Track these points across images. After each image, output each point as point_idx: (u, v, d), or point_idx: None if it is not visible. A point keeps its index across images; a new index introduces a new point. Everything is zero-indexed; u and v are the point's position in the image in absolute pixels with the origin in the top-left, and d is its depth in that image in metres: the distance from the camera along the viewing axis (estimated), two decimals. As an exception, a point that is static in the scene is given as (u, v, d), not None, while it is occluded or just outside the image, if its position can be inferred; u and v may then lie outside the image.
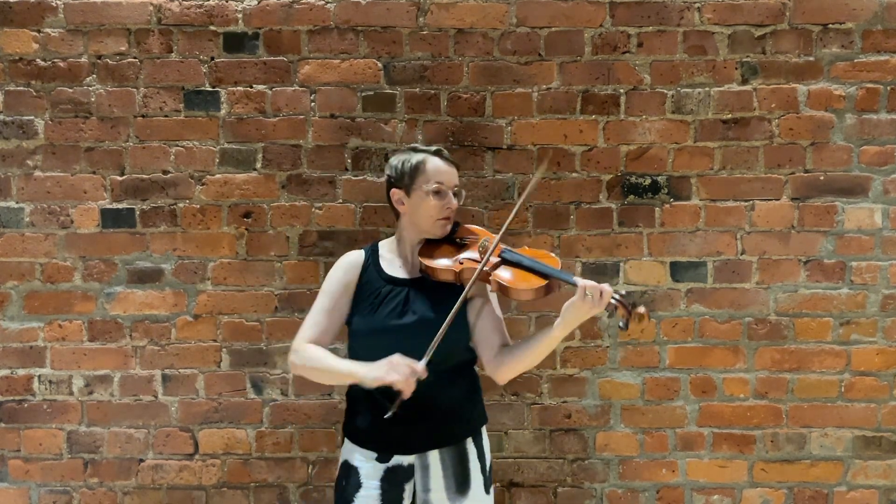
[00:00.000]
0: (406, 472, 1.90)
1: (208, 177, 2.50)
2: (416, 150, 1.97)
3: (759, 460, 2.55)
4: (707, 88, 2.47)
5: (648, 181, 2.49)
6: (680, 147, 2.49)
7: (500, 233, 1.89)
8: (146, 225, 2.50)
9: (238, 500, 2.56)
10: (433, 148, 1.97)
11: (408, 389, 1.73)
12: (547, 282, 1.83)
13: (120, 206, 2.50)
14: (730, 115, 2.48)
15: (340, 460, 1.97)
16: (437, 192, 1.91)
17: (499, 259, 1.89)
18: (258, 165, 2.50)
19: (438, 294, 1.89)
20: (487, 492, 1.95)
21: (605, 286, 1.74)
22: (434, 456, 1.90)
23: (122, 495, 2.56)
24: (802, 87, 2.47)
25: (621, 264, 2.51)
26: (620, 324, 1.77)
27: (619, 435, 2.55)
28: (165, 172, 2.50)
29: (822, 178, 2.49)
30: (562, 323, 1.79)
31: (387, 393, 1.79)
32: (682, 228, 2.51)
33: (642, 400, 2.54)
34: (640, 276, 2.51)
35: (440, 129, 2.48)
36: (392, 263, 1.97)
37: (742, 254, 2.51)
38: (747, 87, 2.47)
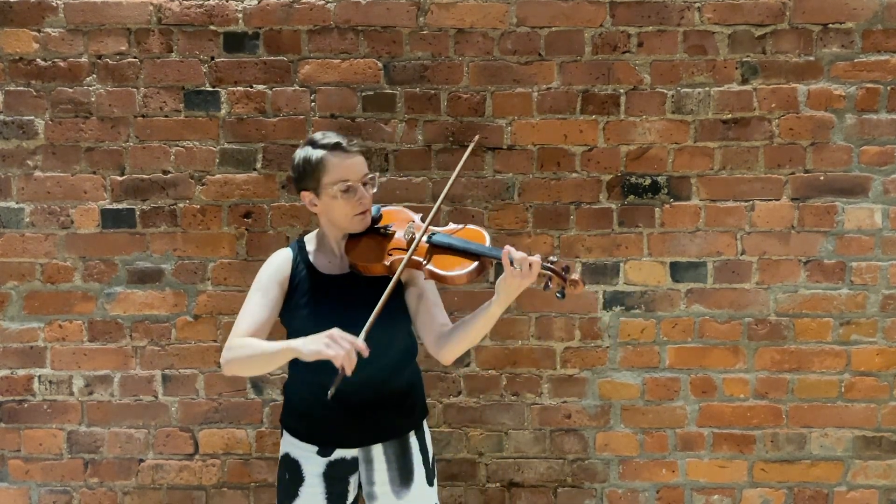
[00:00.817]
0: (349, 465, 1.89)
1: (208, 177, 2.50)
2: (314, 144, 1.82)
3: (759, 460, 2.55)
4: (707, 88, 2.47)
5: (648, 181, 2.49)
6: (680, 147, 2.49)
7: (427, 222, 1.81)
8: (146, 225, 2.50)
9: (238, 500, 2.56)
10: (332, 140, 1.81)
11: (349, 365, 1.63)
12: (477, 262, 1.76)
13: (120, 206, 2.50)
14: (730, 115, 2.48)
15: (281, 453, 1.93)
16: (346, 191, 1.80)
17: (428, 244, 1.81)
18: (258, 165, 2.50)
19: (373, 286, 1.81)
20: (430, 484, 1.94)
21: (535, 256, 1.66)
22: (377, 449, 1.88)
23: (122, 495, 2.56)
24: (802, 87, 2.47)
25: (621, 264, 2.51)
26: (557, 294, 1.69)
27: (619, 435, 2.55)
28: (165, 172, 2.50)
29: (822, 178, 2.49)
30: (497, 298, 1.71)
31: (322, 371, 1.72)
32: (682, 228, 2.50)
33: (642, 400, 2.55)
34: (640, 277, 2.51)
35: (440, 129, 2.48)
36: (320, 259, 1.90)
37: (742, 254, 2.51)
38: (747, 87, 2.47)
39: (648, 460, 2.56)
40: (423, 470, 1.92)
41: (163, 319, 2.53)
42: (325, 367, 1.77)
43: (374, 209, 1.90)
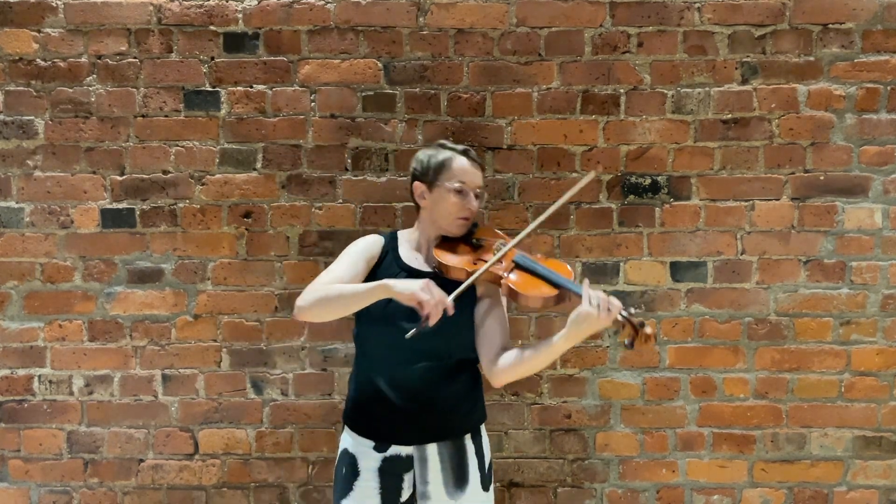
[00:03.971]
0: (405, 463, 1.91)
1: (208, 177, 2.50)
2: (444, 146, 1.98)
3: (759, 460, 2.55)
4: (707, 88, 2.47)
5: (648, 181, 2.49)
6: (680, 147, 2.49)
7: (519, 238, 1.89)
8: (146, 225, 2.50)
9: (238, 500, 2.56)
10: (461, 147, 1.98)
11: (435, 315, 1.71)
12: (557, 291, 1.81)
13: (120, 206, 2.50)
14: (730, 115, 2.48)
15: (340, 448, 1.99)
16: (459, 192, 1.91)
17: (512, 263, 1.89)
18: (258, 165, 2.50)
19: (451, 289, 1.84)
20: (486, 489, 1.95)
21: (614, 300, 1.72)
22: (432, 449, 1.91)
23: (122, 495, 2.56)
24: (802, 87, 2.47)
25: (621, 264, 2.51)
26: (626, 342, 1.74)
27: (619, 435, 2.55)
28: (165, 172, 2.50)
29: (822, 178, 2.49)
30: (567, 334, 1.76)
31: (386, 364, 1.84)
32: (682, 228, 2.51)
33: (642, 400, 2.55)
34: (640, 276, 2.51)
35: (440, 129, 2.48)
36: (409, 254, 1.97)
37: (742, 254, 2.51)
38: (747, 87, 2.47)
39: (648, 460, 2.56)
40: (479, 474, 1.94)
41: (163, 319, 2.53)
42: (389, 360, 1.87)
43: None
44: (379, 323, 1.87)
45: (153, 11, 2.46)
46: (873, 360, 2.52)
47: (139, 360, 2.54)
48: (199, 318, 2.52)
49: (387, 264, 1.94)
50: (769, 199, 2.49)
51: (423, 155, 1.98)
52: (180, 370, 2.54)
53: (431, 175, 1.94)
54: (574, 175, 2.49)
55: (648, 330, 1.71)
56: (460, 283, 1.84)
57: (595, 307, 1.70)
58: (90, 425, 2.55)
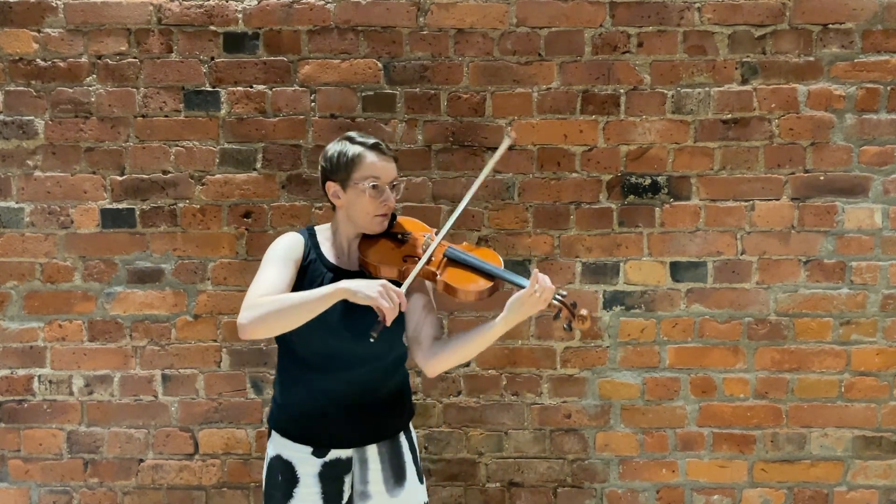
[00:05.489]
0: (344, 465, 1.89)
1: (208, 177, 2.50)
2: (352, 140, 1.86)
3: (759, 460, 2.55)
4: (707, 88, 2.47)
5: (648, 181, 2.49)
6: (680, 147, 2.49)
7: (444, 230, 1.85)
8: (146, 225, 2.50)
9: (238, 500, 2.56)
10: (370, 140, 1.86)
11: (391, 316, 1.67)
12: (493, 283, 1.81)
13: (120, 206, 2.50)
14: (730, 115, 2.48)
15: (270, 455, 1.91)
16: (374, 188, 1.82)
17: (443, 258, 1.85)
18: (258, 165, 2.50)
19: None
20: (421, 481, 1.96)
21: (547, 281, 1.73)
22: (372, 449, 1.89)
23: (122, 495, 2.56)
24: (802, 87, 2.47)
25: (621, 264, 2.51)
26: (564, 325, 1.75)
27: (619, 435, 2.55)
28: (165, 172, 2.50)
29: (822, 178, 2.49)
30: (505, 317, 1.75)
31: (320, 370, 1.80)
32: (682, 228, 2.50)
33: (642, 400, 2.54)
34: (640, 276, 2.51)
35: (440, 129, 2.48)
36: (332, 252, 1.91)
37: (742, 254, 2.51)
38: (747, 87, 2.47)
39: (648, 460, 2.56)
40: (414, 468, 1.95)
41: (163, 319, 2.53)
42: (330, 366, 1.83)
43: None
44: (320, 328, 1.77)
45: (153, 11, 2.46)
46: (873, 360, 2.52)
47: (139, 360, 2.54)
48: (199, 318, 2.52)
49: (313, 263, 1.87)
50: (769, 199, 2.49)
51: (332, 151, 1.86)
52: (180, 370, 2.54)
53: (343, 173, 1.83)
54: (574, 175, 2.49)
55: (584, 311, 1.73)
56: (394, 280, 1.81)
57: (536, 295, 1.71)
58: (90, 425, 2.55)
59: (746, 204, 2.50)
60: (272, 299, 1.72)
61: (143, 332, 2.53)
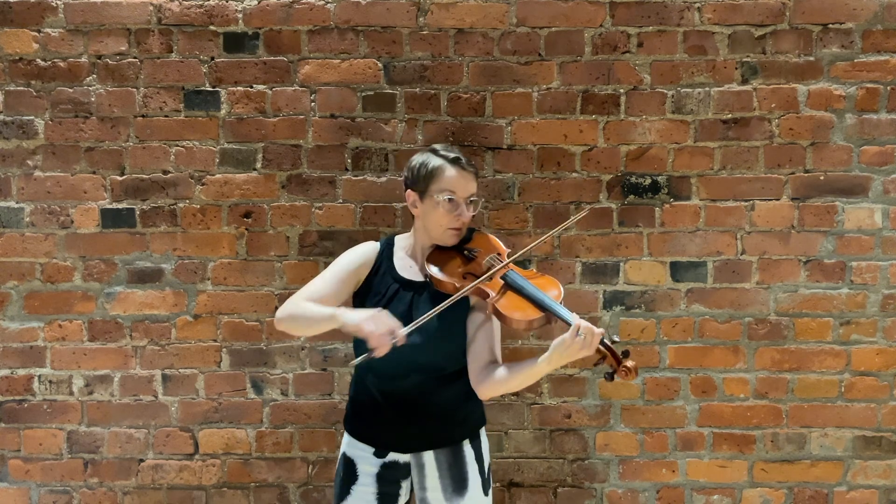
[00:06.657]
0: (402, 469, 1.93)
1: (208, 177, 2.50)
2: (435, 153, 1.92)
3: (759, 460, 2.55)
4: (707, 88, 2.47)
5: (648, 181, 2.49)
6: (680, 147, 2.49)
7: (510, 259, 1.87)
8: (146, 225, 2.50)
9: (238, 500, 2.56)
10: (452, 154, 1.91)
11: (381, 348, 1.69)
12: (543, 314, 1.78)
13: (120, 206, 2.50)
14: (730, 115, 2.48)
15: (340, 452, 2.00)
16: (450, 202, 1.87)
17: (501, 281, 1.85)
18: (258, 165, 2.50)
19: (442, 300, 1.85)
20: (486, 493, 1.95)
21: (598, 329, 1.69)
22: (429, 456, 1.92)
23: (122, 495, 2.56)
24: (802, 87, 2.47)
25: (621, 264, 2.51)
26: (606, 375, 1.72)
27: (619, 435, 2.55)
28: (165, 172, 2.50)
29: (822, 178, 2.49)
30: (548, 358, 1.74)
31: (384, 373, 1.86)
32: (682, 228, 2.50)
33: (642, 400, 2.54)
34: (640, 276, 2.51)
35: (440, 129, 2.48)
36: (404, 262, 1.96)
37: (742, 254, 2.51)
38: (747, 87, 2.47)
39: (648, 460, 2.56)
40: (479, 479, 1.94)
41: (163, 319, 2.53)
42: (382, 371, 1.87)
43: (466, 230, 1.96)
44: None
45: (153, 11, 2.46)
46: (873, 360, 2.52)
47: (139, 360, 2.54)
48: (198, 318, 2.52)
49: (381, 275, 1.94)
50: (769, 199, 2.49)
51: (416, 161, 1.93)
52: (180, 370, 2.54)
53: (422, 184, 1.90)
54: (574, 175, 2.49)
55: (630, 363, 1.68)
56: (450, 295, 1.83)
57: (581, 336, 1.68)
58: (90, 425, 2.55)
59: (746, 204, 2.50)
60: (303, 306, 1.84)
61: (143, 332, 2.53)
